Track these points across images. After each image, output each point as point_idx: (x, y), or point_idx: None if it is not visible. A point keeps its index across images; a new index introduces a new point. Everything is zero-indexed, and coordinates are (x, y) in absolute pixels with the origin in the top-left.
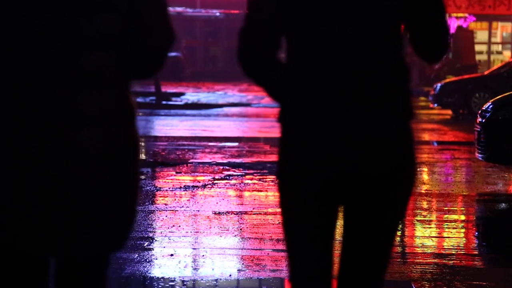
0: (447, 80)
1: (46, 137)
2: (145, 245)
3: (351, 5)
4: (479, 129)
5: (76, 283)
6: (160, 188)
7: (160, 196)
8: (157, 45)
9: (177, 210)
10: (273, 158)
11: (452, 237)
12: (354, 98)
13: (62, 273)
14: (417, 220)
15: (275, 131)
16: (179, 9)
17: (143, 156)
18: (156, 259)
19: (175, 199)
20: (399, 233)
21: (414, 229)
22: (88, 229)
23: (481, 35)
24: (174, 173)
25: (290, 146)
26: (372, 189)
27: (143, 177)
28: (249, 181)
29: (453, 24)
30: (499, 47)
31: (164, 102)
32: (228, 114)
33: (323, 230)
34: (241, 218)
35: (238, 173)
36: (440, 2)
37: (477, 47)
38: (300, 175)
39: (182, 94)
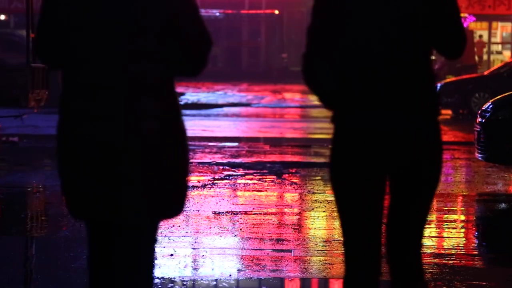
0: (447, 80)
1: (113, 129)
2: None
3: (396, 23)
4: (479, 129)
5: (130, 248)
6: None
7: None
8: (197, 51)
9: None
10: (273, 158)
11: (452, 237)
12: (395, 104)
13: (127, 237)
14: None
15: (275, 131)
16: None
17: None
18: (156, 259)
19: None
20: None
21: None
22: (147, 201)
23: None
24: None
25: (343, 143)
26: (412, 169)
27: None
28: (249, 181)
29: None
30: (499, 47)
31: None
32: (228, 114)
33: (375, 206)
34: (241, 218)
35: (238, 173)
36: (455, 5)
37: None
38: (353, 166)
39: (182, 94)
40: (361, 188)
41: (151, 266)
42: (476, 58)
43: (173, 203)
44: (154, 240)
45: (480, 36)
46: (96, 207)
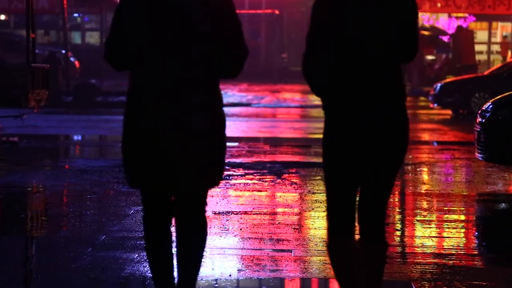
0: (447, 80)
1: (170, 118)
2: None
3: (376, 29)
4: (479, 129)
5: (188, 208)
6: None
7: None
8: (237, 58)
9: None
10: (273, 158)
11: (452, 237)
12: (370, 98)
13: (180, 203)
14: (417, 220)
15: (275, 131)
16: None
17: None
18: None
19: None
20: (399, 233)
21: (414, 229)
22: (195, 176)
23: (481, 35)
24: None
25: (332, 127)
26: (385, 151)
27: None
28: (249, 181)
29: (453, 24)
30: (499, 47)
31: None
32: (228, 114)
33: (357, 179)
34: (241, 218)
35: (238, 173)
36: (415, 14)
37: (477, 47)
38: (340, 146)
39: None
40: (343, 160)
41: (203, 219)
42: (477, 58)
43: (215, 176)
44: (204, 202)
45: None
46: (157, 182)
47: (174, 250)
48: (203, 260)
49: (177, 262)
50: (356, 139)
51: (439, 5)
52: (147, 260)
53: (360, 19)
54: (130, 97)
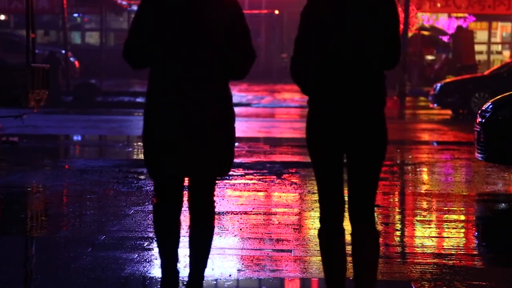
0: (447, 80)
1: (186, 111)
2: (145, 245)
3: (353, 36)
4: (479, 129)
5: (201, 193)
6: None
7: None
8: (245, 62)
9: None
10: (273, 158)
11: (452, 237)
12: (350, 96)
13: (193, 189)
14: (417, 220)
15: (274, 131)
16: None
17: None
18: (156, 259)
19: None
20: (399, 233)
21: (414, 229)
22: (207, 163)
23: (481, 35)
24: None
25: (314, 119)
26: (362, 145)
27: (142, 177)
28: (249, 181)
29: (453, 24)
30: (499, 47)
31: None
32: None
33: (337, 168)
34: (241, 218)
35: (238, 173)
36: (397, 24)
37: (477, 47)
38: (320, 136)
39: None
40: (323, 153)
41: (213, 203)
42: (477, 58)
43: (225, 164)
44: (213, 188)
45: None
46: (175, 169)
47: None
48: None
49: (190, 246)
50: (334, 128)
51: (439, 5)
52: (156, 242)
53: (343, 28)
54: (149, 95)
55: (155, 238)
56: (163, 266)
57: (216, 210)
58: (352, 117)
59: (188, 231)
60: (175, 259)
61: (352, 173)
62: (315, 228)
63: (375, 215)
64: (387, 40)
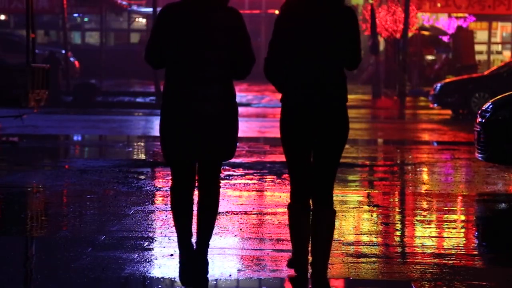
0: (447, 80)
1: (197, 105)
2: (145, 245)
3: (319, 40)
4: (479, 129)
5: (209, 173)
6: (160, 188)
7: (160, 196)
8: (246, 64)
9: None
10: (273, 158)
11: (452, 237)
12: (317, 92)
13: (202, 170)
14: (417, 220)
15: (275, 131)
16: None
17: (143, 156)
18: (156, 259)
19: None
20: (399, 233)
21: (414, 229)
22: (215, 148)
23: (481, 35)
24: None
25: (286, 114)
26: (328, 135)
27: (142, 177)
28: (249, 181)
29: (453, 24)
30: (499, 47)
31: None
32: None
33: (305, 155)
34: (241, 218)
35: (238, 173)
36: (357, 32)
37: (477, 47)
38: (291, 128)
39: None
40: (294, 143)
41: (218, 182)
42: (477, 58)
43: (230, 149)
44: (220, 170)
45: None
46: (188, 153)
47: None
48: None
49: (198, 218)
50: (305, 122)
51: (439, 5)
52: (173, 219)
53: (311, 34)
54: (166, 91)
55: (172, 216)
56: (179, 240)
57: None
58: (320, 111)
59: (197, 208)
60: (190, 234)
61: (318, 159)
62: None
63: (333, 197)
64: (350, 45)
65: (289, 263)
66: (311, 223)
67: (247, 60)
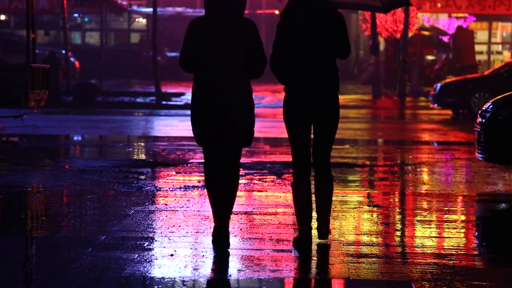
0: (447, 80)
1: (222, 101)
2: (145, 245)
3: (316, 39)
4: (479, 129)
5: (232, 157)
6: (160, 188)
7: (160, 196)
8: (260, 65)
9: (177, 210)
10: (273, 158)
11: (452, 237)
12: (314, 83)
13: (226, 154)
14: (417, 220)
15: (275, 131)
16: (179, 9)
17: (143, 156)
18: (156, 259)
19: (175, 199)
20: (399, 233)
21: (414, 229)
22: (236, 136)
23: (481, 35)
24: (174, 173)
25: (289, 98)
26: (324, 117)
27: (142, 177)
28: (249, 181)
29: (453, 24)
30: (499, 47)
31: (164, 102)
32: None
33: (306, 134)
34: (241, 218)
35: None
36: (345, 29)
37: (477, 47)
38: (294, 110)
39: (182, 94)
40: (296, 124)
41: (239, 165)
42: (477, 58)
43: (249, 139)
44: (240, 155)
45: None
46: (215, 140)
47: None
48: (203, 260)
49: (222, 193)
50: (305, 106)
51: (439, 5)
52: (207, 193)
53: (309, 35)
54: (195, 89)
55: (207, 192)
56: (213, 211)
57: None
58: (318, 97)
59: (222, 186)
60: (221, 205)
61: (318, 134)
62: (315, 228)
63: (330, 165)
64: (340, 39)
65: (295, 242)
66: (314, 186)
67: (260, 62)
